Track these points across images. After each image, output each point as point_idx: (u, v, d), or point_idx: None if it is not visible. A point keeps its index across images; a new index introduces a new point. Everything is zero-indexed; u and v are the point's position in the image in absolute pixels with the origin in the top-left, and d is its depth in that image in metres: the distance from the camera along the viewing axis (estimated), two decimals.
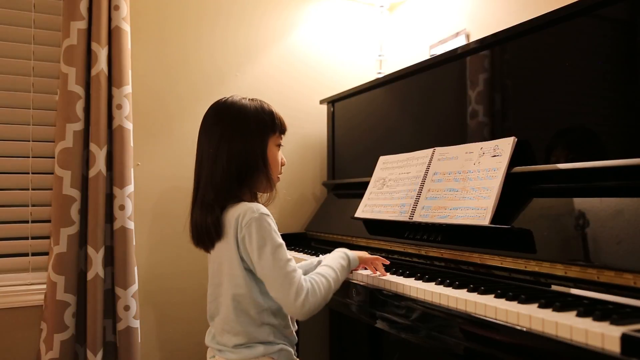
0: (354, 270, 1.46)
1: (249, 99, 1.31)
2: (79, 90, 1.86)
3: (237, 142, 1.24)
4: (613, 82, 1.26)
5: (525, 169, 1.35)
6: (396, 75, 1.97)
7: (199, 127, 1.34)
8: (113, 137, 1.92)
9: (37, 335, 1.87)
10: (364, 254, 1.42)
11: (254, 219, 1.17)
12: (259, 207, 1.20)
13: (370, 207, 1.82)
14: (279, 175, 1.33)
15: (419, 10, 2.51)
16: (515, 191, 1.34)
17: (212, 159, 1.25)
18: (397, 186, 1.74)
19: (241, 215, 1.19)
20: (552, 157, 1.37)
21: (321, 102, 2.46)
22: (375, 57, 2.63)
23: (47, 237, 1.90)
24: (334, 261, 1.30)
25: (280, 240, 1.20)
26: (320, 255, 1.49)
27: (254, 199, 1.29)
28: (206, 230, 1.24)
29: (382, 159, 1.91)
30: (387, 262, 1.44)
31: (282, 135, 1.34)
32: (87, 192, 1.88)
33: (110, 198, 1.93)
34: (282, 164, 1.34)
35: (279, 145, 1.32)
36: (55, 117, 1.88)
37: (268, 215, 1.21)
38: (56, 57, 1.95)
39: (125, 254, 1.91)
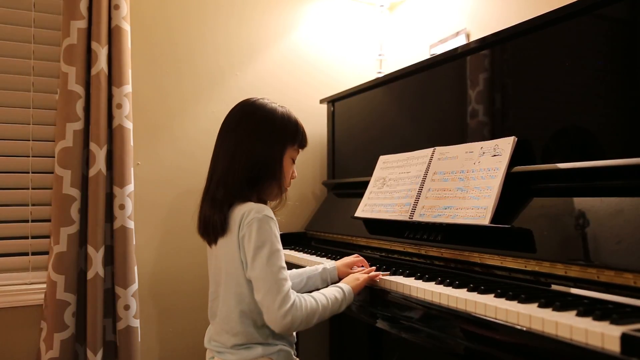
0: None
1: (279, 105, 1.30)
2: (79, 89, 1.86)
3: (257, 144, 1.24)
4: (613, 82, 1.26)
5: (525, 168, 1.35)
6: (396, 75, 1.97)
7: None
8: (113, 136, 1.92)
9: (37, 335, 1.88)
10: (357, 280, 1.35)
11: (257, 219, 1.17)
12: (264, 209, 1.20)
13: (370, 206, 1.82)
14: (287, 187, 1.33)
15: (419, 10, 2.51)
16: (515, 191, 1.34)
17: (229, 157, 1.24)
18: (397, 186, 1.74)
19: (246, 213, 1.19)
20: (552, 156, 1.37)
21: (321, 101, 2.46)
22: (376, 57, 2.63)
23: (47, 237, 1.90)
24: (329, 291, 1.28)
25: (279, 246, 1.19)
26: (325, 260, 1.48)
27: (260, 203, 1.29)
28: (212, 225, 1.24)
29: (382, 158, 1.91)
30: (379, 277, 1.40)
31: (300, 150, 1.33)
32: (87, 191, 1.88)
33: (110, 197, 1.93)
34: (292, 178, 1.33)
35: (294, 159, 1.31)
36: (55, 116, 1.88)
37: (272, 219, 1.20)
38: (56, 57, 1.95)
39: (125, 253, 1.91)
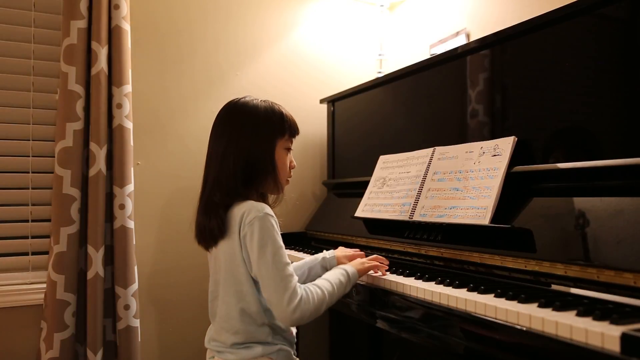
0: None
1: (261, 100, 1.30)
2: (79, 89, 1.86)
3: (245, 143, 1.24)
4: (613, 82, 1.26)
5: (525, 168, 1.35)
6: (396, 75, 1.97)
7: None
8: (113, 136, 1.92)
9: (37, 335, 1.88)
10: (362, 264, 1.37)
11: (258, 218, 1.17)
12: (264, 207, 1.20)
13: (370, 206, 1.82)
14: (288, 179, 1.33)
15: (419, 10, 2.51)
16: (515, 190, 1.34)
17: (219, 159, 1.25)
18: (397, 185, 1.74)
19: (246, 212, 1.19)
20: (552, 156, 1.37)
21: (321, 101, 2.46)
22: (376, 57, 2.63)
23: (47, 237, 1.90)
24: (332, 276, 1.28)
25: (281, 243, 1.20)
26: (325, 251, 1.49)
27: (261, 199, 1.29)
28: (209, 231, 1.24)
29: (382, 158, 1.91)
30: (387, 262, 1.44)
31: (293, 139, 1.32)
32: (87, 191, 1.88)
33: (110, 197, 1.92)
34: (292, 167, 1.33)
35: (288, 149, 1.31)
36: (55, 116, 1.88)
37: (272, 216, 1.21)
38: (56, 56, 1.95)
39: (125, 253, 1.91)
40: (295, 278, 1.18)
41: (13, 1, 2.00)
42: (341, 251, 1.50)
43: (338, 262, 1.45)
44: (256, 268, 1.18)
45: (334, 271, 1.31)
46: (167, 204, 2.20)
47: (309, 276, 1.42)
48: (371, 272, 1.43)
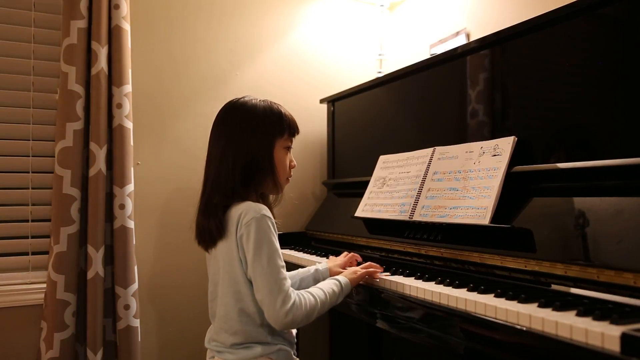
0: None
1: (260, 100, 1.30)
2: (79, 89, 1.86)
3: (243, 142, 1.24)
4: (613, 82, 1.26)
5: (525, 168, 1.35)
6: (396, 75, 1.97)
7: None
8: (113, 136, 1.92)
9: (37, 334, 1.88)
10: (355, 273, 1.37)
11: (255, 219, 1.17)
12: (261, 208, 1.20)
13: (370, 206, 1.82)
14: (288, 178, 1.33)
15: (419, 10, 2.51)
16: (515, 190, 1.34)
17: (218, 159, 1.25)
18: (397, 185, 1.74)
19: (243, 213, 1.19)
20: (552, 156, 1.37)
21: (321, 101, 2.46)
22: (376, 57, 2.63)
23: (47, 236, 1.90)
24: (326, 285, 1.29)
25: (278, 245, 1.20)
26: (317, 264, 1.49)
27: (261, 200, 1.29)
28: (208, 232, 1.24)
29: (382, 158, 1.91)
30: (381, 269, 1.43)
31: (292, 138, 1.32)
32: (87, 191, 1.88)
33: (110, 197, 1.93)
34: (292, 167, 1.33)
35: (288, 148, 1.31)
36: (55, 116, 1.88)
37: (270, 217, 1.20)
38: (56, 56, 1.94)
39: (125, 253, 1.91)
40: (289, 282, 1.19)
41: (13, 1, 2.00)
42: (333, 262, 1.50)
43: (331, 273, 1.45)
44: (251, 269, 1.18)
45: (328, 281, 1.32)
46: (167, 204, 2.20)
47: (300, 287, 1.42)
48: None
